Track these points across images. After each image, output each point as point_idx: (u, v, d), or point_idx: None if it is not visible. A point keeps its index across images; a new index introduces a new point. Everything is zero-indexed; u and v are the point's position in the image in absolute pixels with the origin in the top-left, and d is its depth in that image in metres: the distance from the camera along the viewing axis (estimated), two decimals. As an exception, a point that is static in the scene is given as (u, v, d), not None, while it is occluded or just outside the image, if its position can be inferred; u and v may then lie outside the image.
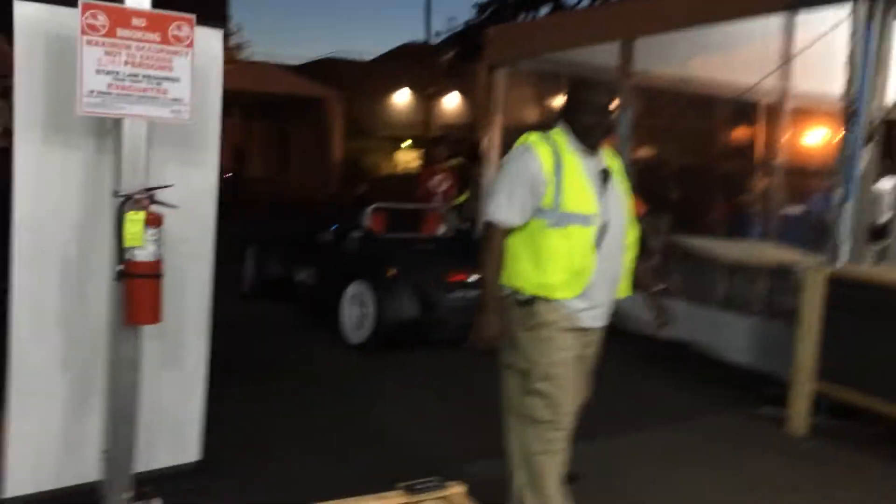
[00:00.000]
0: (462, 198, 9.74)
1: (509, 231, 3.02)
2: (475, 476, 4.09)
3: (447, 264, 6.82)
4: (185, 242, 3.57)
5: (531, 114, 10.23)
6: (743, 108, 9.39)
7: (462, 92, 34.31)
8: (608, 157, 3.17)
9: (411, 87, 39.64)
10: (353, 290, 6.67)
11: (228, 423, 4.51)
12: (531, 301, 3.00)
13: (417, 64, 32.59)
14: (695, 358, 6.47)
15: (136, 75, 2.98)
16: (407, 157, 36.67)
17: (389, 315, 6.34)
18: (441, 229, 8.05)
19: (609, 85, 3.24)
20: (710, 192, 9.75)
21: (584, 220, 2.96)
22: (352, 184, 24.44)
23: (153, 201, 3.03)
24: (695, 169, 10.38)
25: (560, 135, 3.05)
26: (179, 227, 3.52)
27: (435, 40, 29.90)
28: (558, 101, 9.88)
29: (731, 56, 8.71)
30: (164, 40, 3.03)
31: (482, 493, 3.50)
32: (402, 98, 42.42)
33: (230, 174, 20.93)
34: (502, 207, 2.99)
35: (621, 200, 3.13)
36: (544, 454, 3.08)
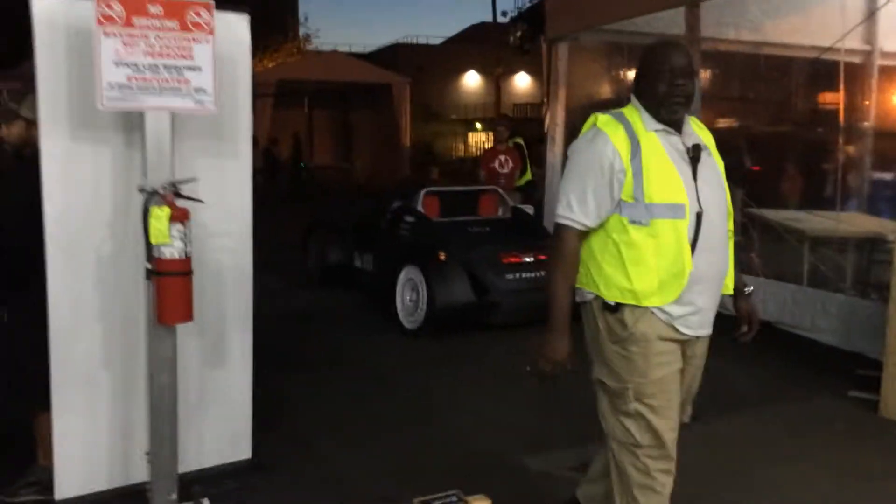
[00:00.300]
0: (525, 178, 9.48)
1: (583, 234, 2.57)
2: (535, 471, 3.92)
3: (501, 246, 6.64)
4: (222, 236, 3.47)
5: (596, 89, 9.85)
6: (823, 71, 8.80)
7: (531, 71, 33.80)
8: (697, 130, 2.68)
9: (481, 69, 39.34)
10: (406, 275, 6.57)
11: (281, 419, 4.45)
12: (617, 309, 2.55)
13: (487, 45, 32.23)
14: (778, 338, 6.08)
15: (155, 66, 2.86)
16: (479, 139, 36.45)
17: (441, 300, 6.20)
18: (499, 211, 7.82)
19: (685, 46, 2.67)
20: (790, 160, 9.21)
21: (673, 211, 2.47)
22: (423, 168, 24.43)
23: (179, 196, 2.92)
24: (772, 137, 9.82)
25: (634, 112, 2.59)
26: (215, 221, 3.44)
27: (502, 20, 29.37)
28: (624, 73, 9.55)
29: (808, 16, 8.18)
30: (184, 27, 2.89)
31: (542, 488, 3.31)
32: (472, 80, 42.17)
33: (303, 164, 21.20)
34: (573, 208, 2.54)
35: (718, 182, 2.63)
36: (643, 489, 2.61)
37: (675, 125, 2.58)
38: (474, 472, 3.86)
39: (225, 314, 3.56)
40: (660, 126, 2.55)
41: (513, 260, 6.51)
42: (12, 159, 3.29)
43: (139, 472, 3.36)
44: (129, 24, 2.80)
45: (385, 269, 7.01)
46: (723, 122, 9.72)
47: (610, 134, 2.52)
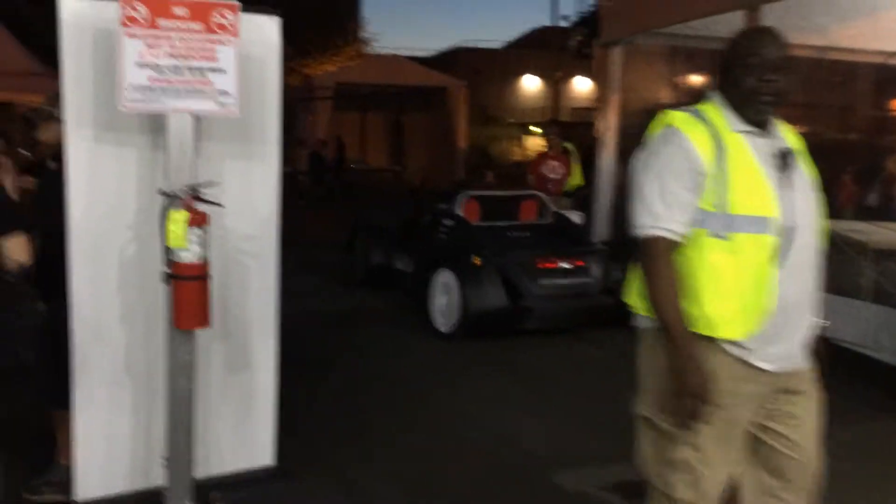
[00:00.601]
0: (574, 183, 9.29)
1: (675, 245, 2.19)
2: (566, 489, 3.77)
3: (538, 251, 6.55)
4: (247, 240, 3.42)
5: (651, 95, 9.60)
6: (890, 77, 8.42)
7: (590, 75, 33.41)
8: (786, 134, 2.35)
9: (540, 73, 39.06)
10: (440, 278, 6.52)
11: (307, 424, 4.39)
12: None
13: (546, 49, 31.99)
14: (839, 356, 5.78)
15: (178, 67, 2.82)
16: (536, 143, 36.17)
17: (474, 303, 6.15)
18: (540, 216, 7.70)
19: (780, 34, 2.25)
20: (854, 169, 8.83)
21: (759, 225, 2.14)
22: (478, 171, 24.33)
23: (198, 199, 2.87)
24: (836, 144, 9.44)
25: (715, 110, 2.27)
26: (242, 225, 3.39)
27: (562, 24, 29.10)
28: (680, 79, 9.29)
29: (876, 20, 7.82)
30: (208, 29, 2.85)
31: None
32: (530, 84, 41.91)
33: (353, 165, 21.31)
34: (658, 214, 2.18)
35: (811, 192, 2.29)
36: None
37: (764, 125, 2.25)
38: (501, 489, 3.74)
39: (250, 319, 3.51)
40: (746, 127, 2.23)
41: (548, 265, 6.42)
42: (44, 162, 3.29)
43: (160, 475, 3.32)
44: (153, 25, 2.77)
45: (422, 271, 6.99)
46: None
47: (689, 133, 2.20)
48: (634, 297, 2.36)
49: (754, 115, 2.24)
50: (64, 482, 3.29)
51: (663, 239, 2.18)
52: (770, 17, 7.16)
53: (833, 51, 8.73)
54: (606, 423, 4.56)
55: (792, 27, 7.93)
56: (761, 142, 2.24)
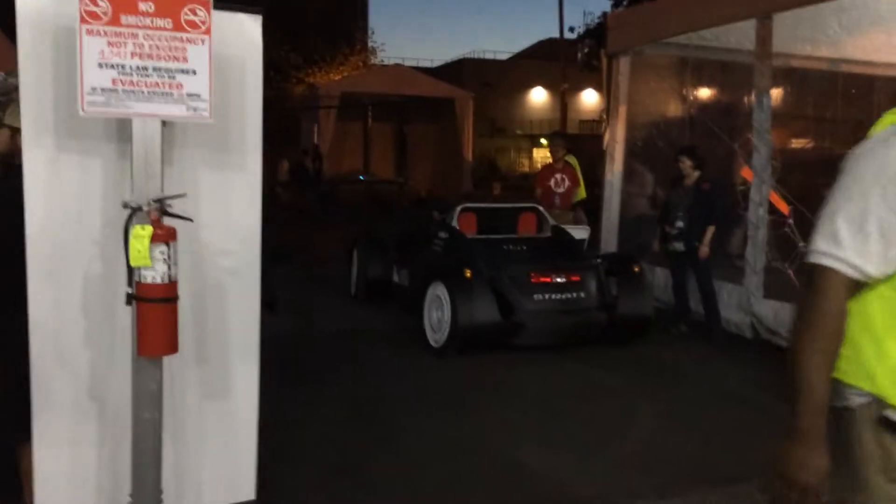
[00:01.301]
0: (579, 196, 9.02)
1: (857, 286, 1.67)
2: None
3: (532, 265, 6.37)
4: (225, 256, 3.12)
5: (660, 107, 9.31)
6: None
7: (598, 87, 33.16)
8: None
9: (548, 85, 38.91)
10: (433, 291, 6.32)
11: (292, 451, 4.10)
12: None
13: (554, 61, 31.79)
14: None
15: (145, 68, 2.55)
16: (544, 155, 35.94)
17: (464, 318, 5.93)
18: (538, 230, 7.50)
19: None
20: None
21: None
22: (485, 183, 24.06)
23: (166, 213, 2.59)
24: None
25: None
26: (219, 240, 3.10)
27: (570, 36, 28.88)
28: (690, 91, 9.00)
29: (892, 32, 7.53)
30: (177, 27, 2.57)
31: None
32: (538, 96, 41.74)
33: (362, 177, 21.05)
34: (842, 241, 1.64)
35: None
36: None
37: None
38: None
39: (228, 342, 3.21)
40: None
41: (543, 280, 6.24)
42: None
43: (129, 514, 3.04)
44: (115, 21, 2.49)
45: (416, 284, 6.83)
46: (796, 143, 9.09)
47: None
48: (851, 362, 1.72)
49: None
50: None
51: (838, 274, 1.64)
52: (781, 27, 6.89)
53: (846, 63, 8.45)
54: (611, 449, 4.27)
55: (803, 38, 7.69)
56: None
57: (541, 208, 7.71)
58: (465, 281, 6.05)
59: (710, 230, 6.79)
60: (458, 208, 7.26)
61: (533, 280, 6.23)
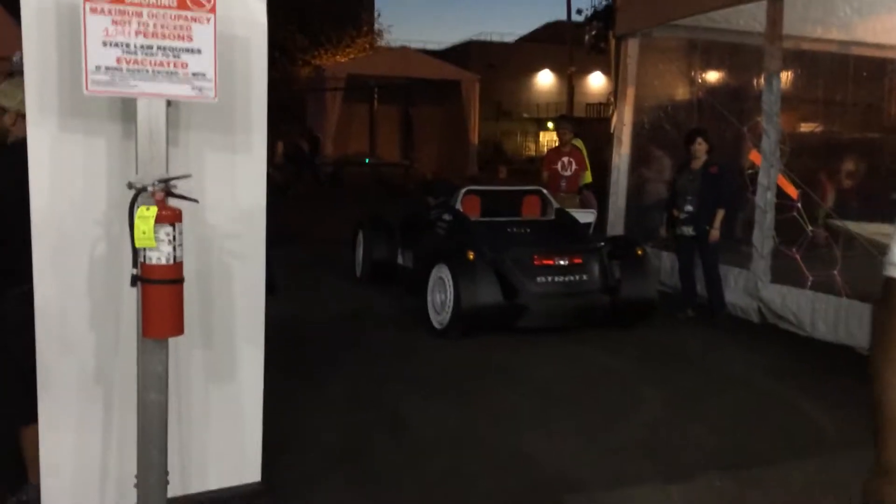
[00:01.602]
0: (586, 180, 8.97)
1: None
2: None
3: (535, 248, 6.35)
4: (230, 238, 3.10)
5: (669, 90, 9.23)
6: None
7: (606, 70, 32.92)
8: None
9: (555, 67, 38.64)
10: (436, 273, 6.31)
11: (300, 437, 4.10)
12: None
13: (561, 43, 31.54)
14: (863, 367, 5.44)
15: (149, 47, 2.51)
16: (550, 138, 35.80)
17: (466, 300, 5.94)
18: (542, 212, 7.53)
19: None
20: (880, 169, 8.44)
21: None
22: (491, 167, 23.98)
23: (171, 194, 2.56)
24: (860, 143, 9.03)
25: None
26: (224, 221, 3.09)
27: (577, 18, 28.64)
28: (699, 73, 8.91)
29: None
30: (182, 5, 2.53)
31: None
32: (545, 79, 41.48)
33: (368, 160, 20.99)
34: None
35: None
36: None
37: None
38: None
39: (234, 325, 3.20)
40: None
41: (546, 262, 6.22)
42: None
43: (135, 494, 3.04)
44: (119, 0, 2.46)
45: (420, 266, 6.82)
46: (805, 127, 9.00)
47: None
48: None
49: None
50: (33, 502, 3.00)
51: None
52: (792, 9, 6.81)
53: (857, 46, 8.34)
54: (618, 441, 4.25)
55: (814, 20, 7.60)
56: None
57: (544, 191, 7.69)
58: (468, 263, 6.04)
59: (720, 213, 6.74)
60: (462, 191, 7.24)
61: (536, 262, 6.22)
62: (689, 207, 6.84)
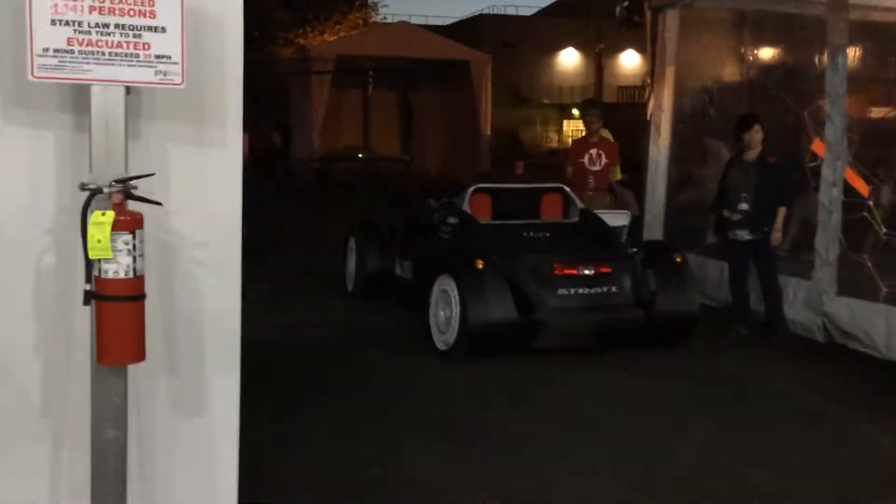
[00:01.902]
0: (616, 176, 8.98)
1: None
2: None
3: (556, 255, 6.37)
4: (200, 247, 3.12)
5: (713, 69, 9.26)
6: None
7: (640, 48, 33.06)
8: None
9: (580, 45, 38.78)
10: (440, 285, 6.33)
11: (276, 475, 4.17)
12: None
13: (588, 17, 31.64)
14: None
15: (105, 25, 2.55)
16: (576, 127, 35.88)
17: (474, 316, 5.94)
18: (565, 213, 7.56)
19: None
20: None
21: None
22: (505, 162, 24.03)
23: (131, 196, 2.59)
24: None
25: None
26: (193, 228, 3.11)
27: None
28: (749, 50, 8.93)
29: None
30: (143, -25, 2.57)
31: None
32: (569, 58, 41.61)
33: (361, 154, 21.09)
34: None
35: None
36: None
37: None
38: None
39: (204, 348, 3.21)
40: None
41: (568, 271, 6.24)
42: None
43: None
44: (70, -30, 2.49)
45: (420, 278, 6.87)
46: (877, 112, 9.01)
47: None
48: None
49: None
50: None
51: None
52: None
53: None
54: (655, 485, 4.25)
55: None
56: None
57: (567, 189, 7.71)
58: (476, 273, 6.06)
59: (782, 212, 6.73)
60: (470, 189, 7.26)
61: (556, 272, 6.23)
62: (743, 206, 6.81)
